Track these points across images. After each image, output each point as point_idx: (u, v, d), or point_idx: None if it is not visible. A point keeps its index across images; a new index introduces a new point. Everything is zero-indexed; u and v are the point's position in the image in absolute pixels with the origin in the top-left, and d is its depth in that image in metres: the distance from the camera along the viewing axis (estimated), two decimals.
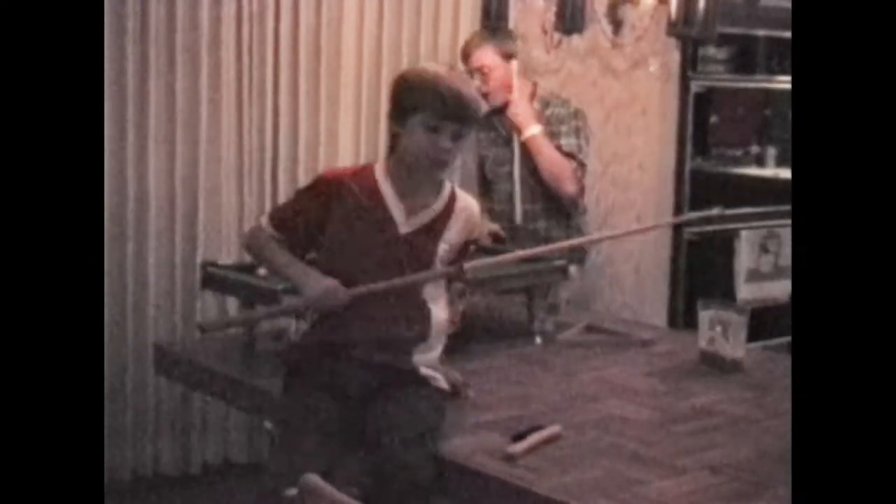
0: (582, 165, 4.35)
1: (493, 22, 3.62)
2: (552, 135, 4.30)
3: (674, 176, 5.53)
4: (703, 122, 5.72)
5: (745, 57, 5.86)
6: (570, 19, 3.33)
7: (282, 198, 4.43)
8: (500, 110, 4.34)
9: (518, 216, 4.38)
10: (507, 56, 4.30)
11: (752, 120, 6.28)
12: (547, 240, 4.24)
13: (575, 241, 4.29)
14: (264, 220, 2.96)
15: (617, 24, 3.44)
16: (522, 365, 3.28)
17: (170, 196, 4.33)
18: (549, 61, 4.85)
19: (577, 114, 4.40)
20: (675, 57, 5.44)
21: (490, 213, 4.35)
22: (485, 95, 4.15)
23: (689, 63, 5.50)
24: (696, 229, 5.53)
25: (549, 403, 2.90)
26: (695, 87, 5.55)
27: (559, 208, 4.41)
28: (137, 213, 4.26)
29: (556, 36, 3.51)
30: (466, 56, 4.34)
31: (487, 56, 4.28)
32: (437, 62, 4.78)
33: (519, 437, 2.54)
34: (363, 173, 2.89)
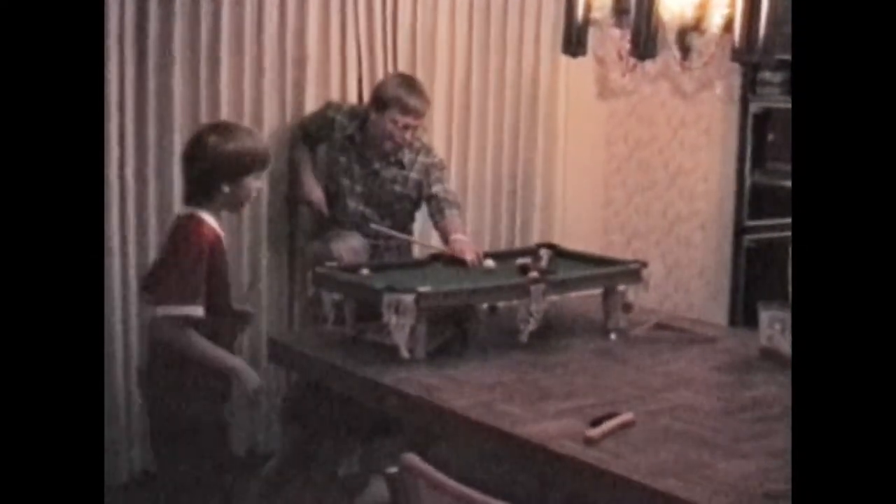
0: (459, 208, 4.21)
1: (573, 49, 3.64)
2: (428, 185, 4.18)
3: (734, 188, 5.51)
4: (761, 139, 5.66)
5: None
6: (643, 46, 3.35)
7: None
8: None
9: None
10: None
11: None
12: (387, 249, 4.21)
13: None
14: None
15: (685, 51, 3.44)
16: (599, 358, 3.30)
17: None
18: (625, 83, 4.87)
19: (441, 163, 4.31)
20: (736, 80, 5.43)
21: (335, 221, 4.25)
22: (408, 146, 4.16)
23: (749, 86, 5.48)
24: (755, 237, 5.52)
25: (623, 393, 2.92)
26: (753, 107, 5.51)
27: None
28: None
29: (632, 61, 3.54)
30: (405, 109, 4.06)
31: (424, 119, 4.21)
32: (520, 85, 4.86)
33: (596, 422, 2.56)
34: None
